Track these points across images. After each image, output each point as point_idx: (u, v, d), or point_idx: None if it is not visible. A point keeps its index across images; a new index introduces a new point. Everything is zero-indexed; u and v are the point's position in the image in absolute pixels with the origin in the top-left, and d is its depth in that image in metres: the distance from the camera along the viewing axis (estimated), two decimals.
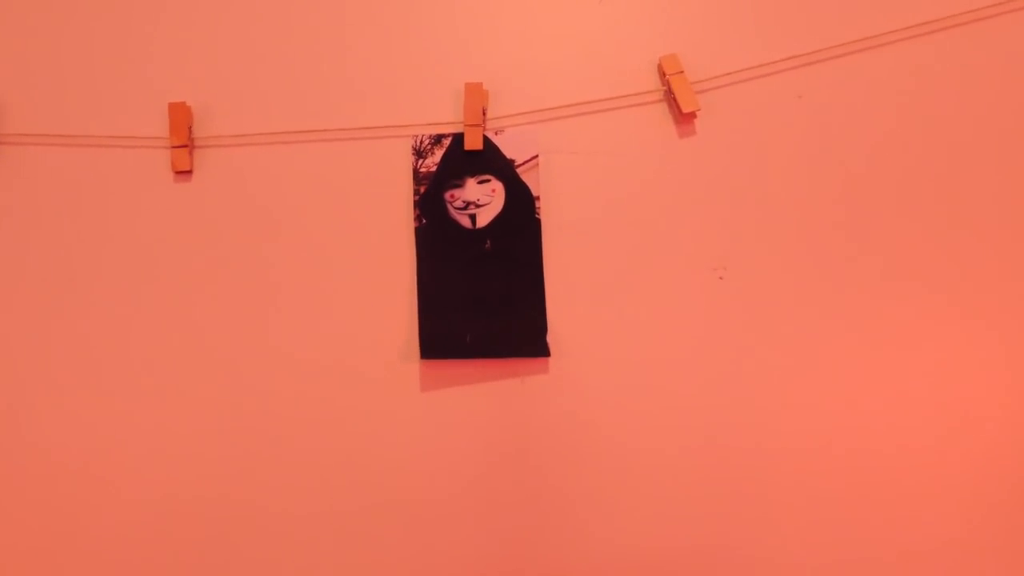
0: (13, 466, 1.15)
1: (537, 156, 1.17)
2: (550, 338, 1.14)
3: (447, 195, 1.17)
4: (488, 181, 1.17)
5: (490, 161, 1.17)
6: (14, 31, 1.21)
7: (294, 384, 1.16)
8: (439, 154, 1.18)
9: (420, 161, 1.18)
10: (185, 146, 1.18)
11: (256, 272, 1.17)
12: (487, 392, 1.15)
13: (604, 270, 1.15)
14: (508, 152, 1.17)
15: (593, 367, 1.15)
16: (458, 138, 1.18)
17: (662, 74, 1.17)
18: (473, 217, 1.16)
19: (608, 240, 1.16)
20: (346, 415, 1.15)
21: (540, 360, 1.15)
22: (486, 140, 1.17)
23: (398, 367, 1.15)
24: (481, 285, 1.15)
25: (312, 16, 1.20)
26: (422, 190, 1.17)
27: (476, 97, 1.17)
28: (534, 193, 1.16)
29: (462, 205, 1.17)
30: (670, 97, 1.16)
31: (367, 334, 1.16)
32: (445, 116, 1.18)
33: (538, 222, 1.16)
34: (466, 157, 1.17)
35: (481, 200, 1.17)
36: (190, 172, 1.19)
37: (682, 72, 1.15)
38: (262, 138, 1.19)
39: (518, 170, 1.17)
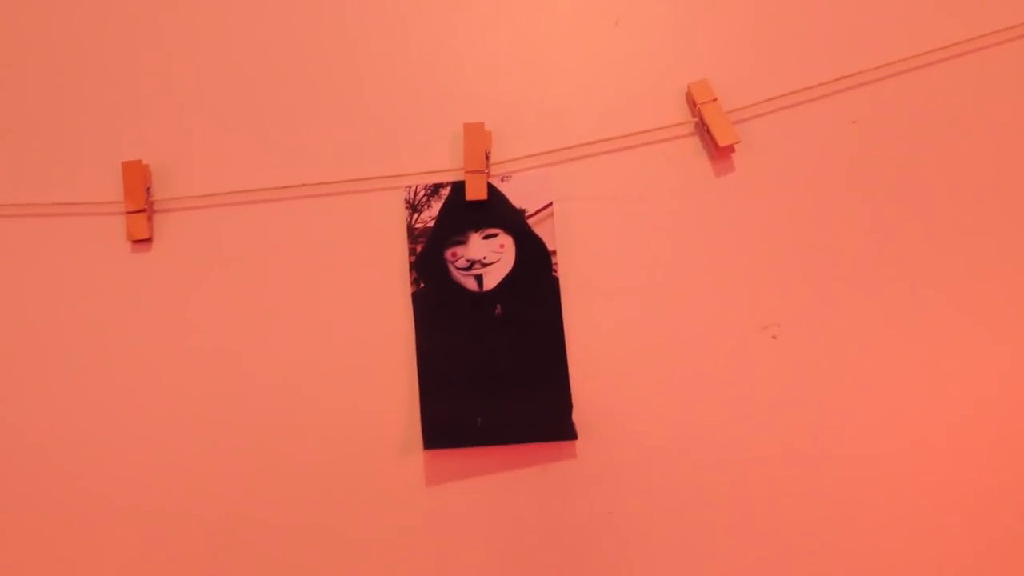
0: None
1: (551, 204, 1.00)
2: (576, 417, 0.96)
3: (448, 253, 1.00)
4: (495, 236, 1.00)
5: (496, 212, 1.01)
6: None
7: (272, 491, 0.98)
8: (437, 206, 1.01)
9: (415, 216, 1.01)
10: (143, 211, 1.02)
11: (227, 355, 1.00)
12: (504, 484, 0.97)
13: (636, 334, 0.98)
14: (517, 201, 1.01)
15: (628, 450, 0.97)
16: (458, 187, 1.01)
17: (692, 103, 1.01)
18: (479, 278, 1.00)
19: (638, 299, 0.99)
20: (336, 523, 0.97)
21: (566, 444, 0.97)
22: (491, 188, 1.01)
23: (397, 461, 0.98)
24: (492, 358, 0.98)
25: (283, 55, 1.05)
26: (419, 249, 1.01)
27: (477, 139, 1.00)
28: (549, 247, 1.00)
29: (466, 265, 1.00)
30: (703, 129, 1.00)
31: (359, 424, 0.98)
32: (442, 163, 1.02)
33: (555, 281, 0.99)
34: (468, 209, 1.01)
35: (488, 258, 1.00)
36: (149, 240, 1.02)
37: (715, 100, 0.99)
38: (231, 198, 1.03)
39: (529, 221, 1.00)
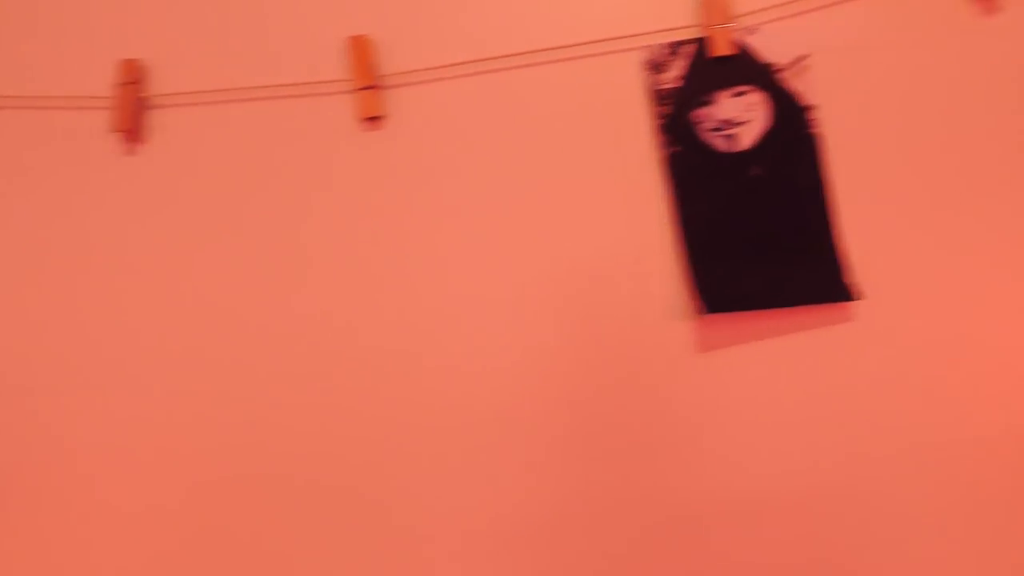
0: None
1: (806, 56, 0.94)
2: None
3: (695, 115, 0.94)
4: (745, 93, 0.94)
5: (745, 68, 0.95)
6: None
7: (536, 350, 0.94)
8: (679, 66, 0.95)
9: (657, 77, 0.96)
10: (373, 87, 0.97)
11: (468, 230, 0.96)
12: (781, 349, 0.92)
13: (911, 190, 0.92)
14: (767, 55, 0.94)
15: (906, 310, 0.91)
16: (701, 44, 0.95)
17: None
18: (731, 139, 0.94)
19: (911, 154, 0.92)
20: (609, 397, 0.93)
21: (842, 306, 0.92)
22: (737, 43, 0.95)
23: (664, 327, 0.93)
24: (756, 221, 0.93)
25: None
26: (666, 111, 0.95)
27: None
28: (806, 102, 0.93)
29: (715, 126, 0.94)
30: None
31: (616, 292, 0.94)
32: (681, 19, 0.96)
33: (816, 138, 0.93)
34: (714, 66, 0.95)
35: (739, 118, 0.94)
36: (382, 118, 0.98)
37: None
38: (461, 69, 0.98)
39: (782, 76, 0.94)
